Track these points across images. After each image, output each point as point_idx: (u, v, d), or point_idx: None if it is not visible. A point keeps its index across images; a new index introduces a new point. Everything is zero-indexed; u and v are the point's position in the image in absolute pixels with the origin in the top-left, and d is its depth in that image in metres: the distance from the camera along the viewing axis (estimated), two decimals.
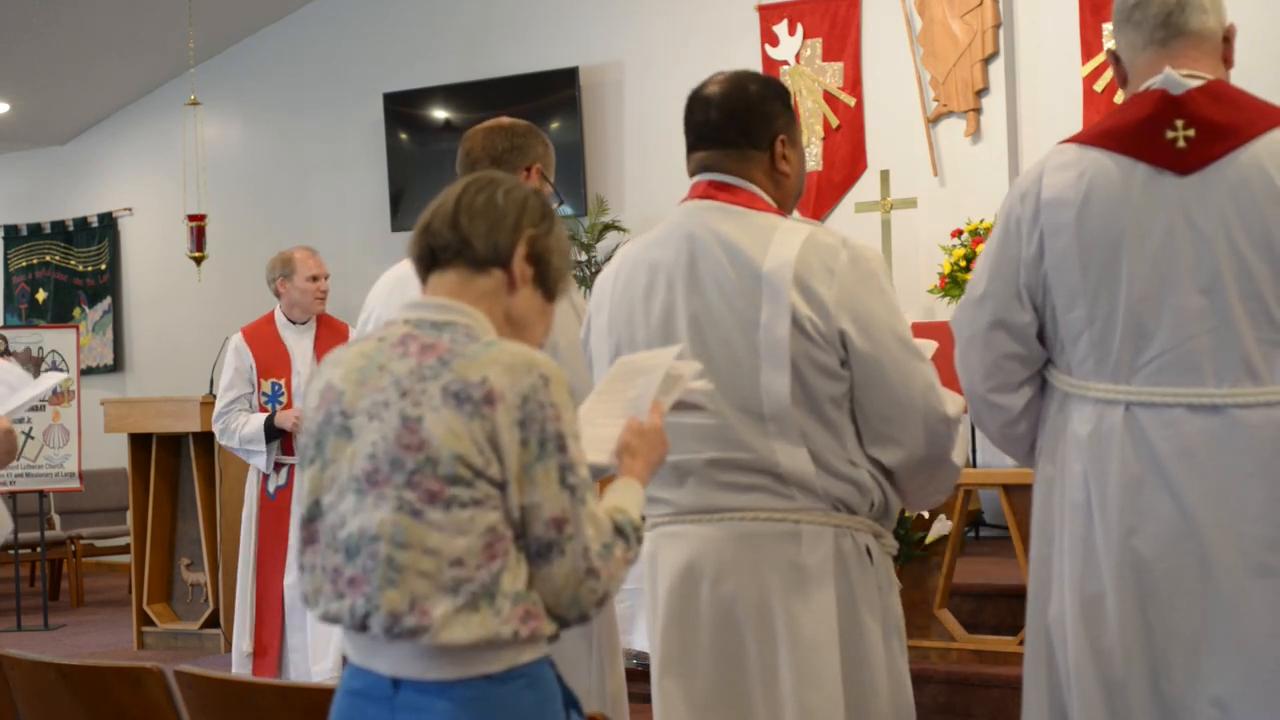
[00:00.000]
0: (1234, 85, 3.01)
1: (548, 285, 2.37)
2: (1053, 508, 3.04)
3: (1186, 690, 2.87)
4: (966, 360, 3.12)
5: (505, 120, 3.67)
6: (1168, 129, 2.92)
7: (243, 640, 6.42)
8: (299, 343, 6.41)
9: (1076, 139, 3.05)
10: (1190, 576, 2.87)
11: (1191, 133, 2.90)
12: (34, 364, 9.64)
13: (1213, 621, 2.86)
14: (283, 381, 6.33)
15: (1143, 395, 2.91)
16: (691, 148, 3.05)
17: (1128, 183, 2.92)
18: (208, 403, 8.03)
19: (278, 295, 6.46)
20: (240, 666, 6.38)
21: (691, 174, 3.05)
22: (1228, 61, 3.06)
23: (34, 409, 9.07)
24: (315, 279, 6.40)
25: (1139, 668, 2.90)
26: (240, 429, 6.30)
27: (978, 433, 8.29)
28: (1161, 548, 2.88)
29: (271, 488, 6.33)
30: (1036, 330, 3.03)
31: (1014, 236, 3.03)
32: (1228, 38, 3.06)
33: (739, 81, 3.02)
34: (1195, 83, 2.94)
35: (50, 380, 3.91)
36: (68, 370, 9.71)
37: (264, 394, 6.34)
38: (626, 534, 2.24)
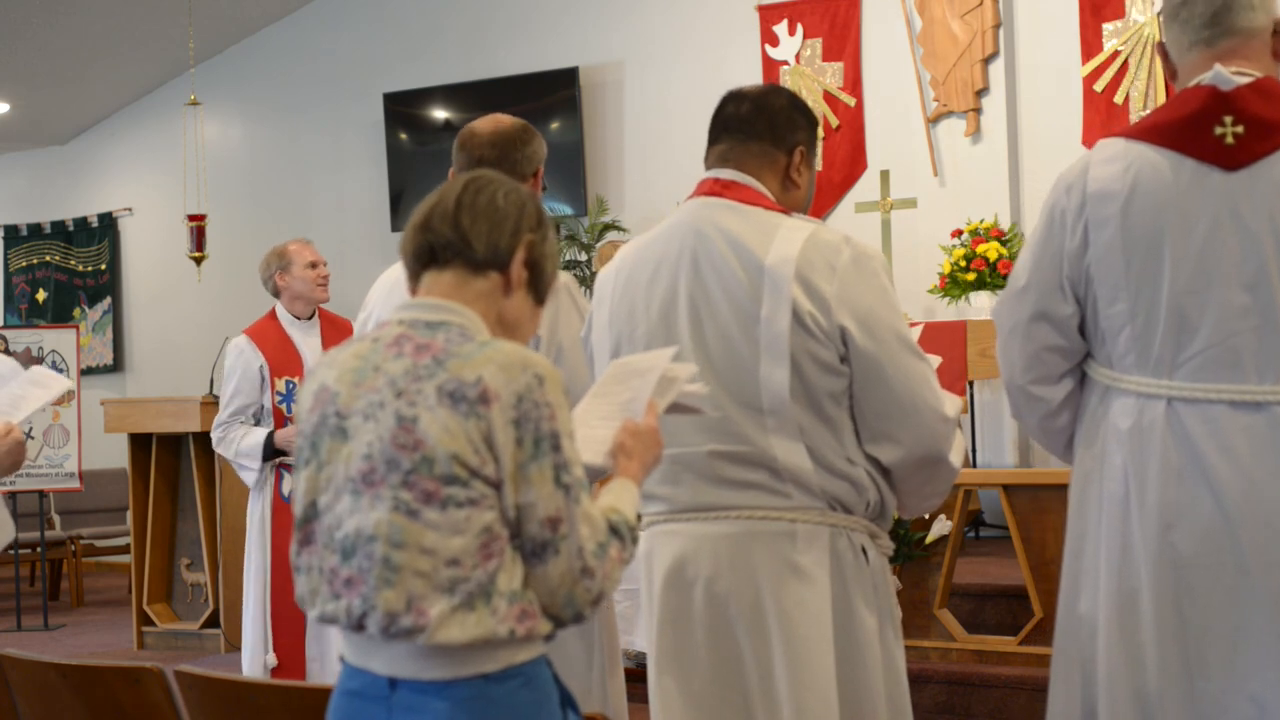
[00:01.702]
0: None
1: (539, 289, 2.38)
2: (1089, 501, 3.04)
3: (1224, 687, 2.86)
4: (1007, 352, 3.13)
5: (504, 121, 3.56)
6: (1216, 125, 2.91)
7: (262, 652, 6.04)
8: (306, 340, 6.13)
9: (1123, 133, 3.05)
10: (1228, 573, 2.87)
11: (1240, 129, 2.90)
12: (34, 364, 9.62)
13: (1250, 618, 2.85)
14: (297, 380, 6.03)
15: (1184, 390, 2.91)
16: (713, 140, 3.07)
17: (1174, 177, 2.92)
18: (208, 403, 8.03)
19: (277, 293, 6.18)
20: (257, 673, 6.02)
21: (708, 168, 3.07)
22: (1276, 55, 3.05)
23: None
24: (314, 265, 6.12)
25: (1174, 664, 2.89)
26: (239, 440, 6.01)
27: (977, 433, 8.31)
28: (1200, 544, 2.88)
29: (285, 490, 6.00)
30: (1078, 323, 3.04)
31: (1058, 228, 3.03)
32: (1276, 31, 3.04)
33: (774, 88, 3.16)
34: (1244, 80, 2.94)
35: (56, 386, 3.87)
36: (67, 370, 9.70)
37: (279, 393, 6.04)
38: (622, 534, 2.25)
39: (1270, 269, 2.86)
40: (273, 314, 6.22)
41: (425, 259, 2.33)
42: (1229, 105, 2.92)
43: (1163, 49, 3.13)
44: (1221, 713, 2.87)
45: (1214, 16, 3.00)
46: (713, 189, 3.02)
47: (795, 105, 3.09)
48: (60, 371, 9.53)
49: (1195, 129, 2.93)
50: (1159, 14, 3.16)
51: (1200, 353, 2.90)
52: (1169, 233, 2.91)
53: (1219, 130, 2.91)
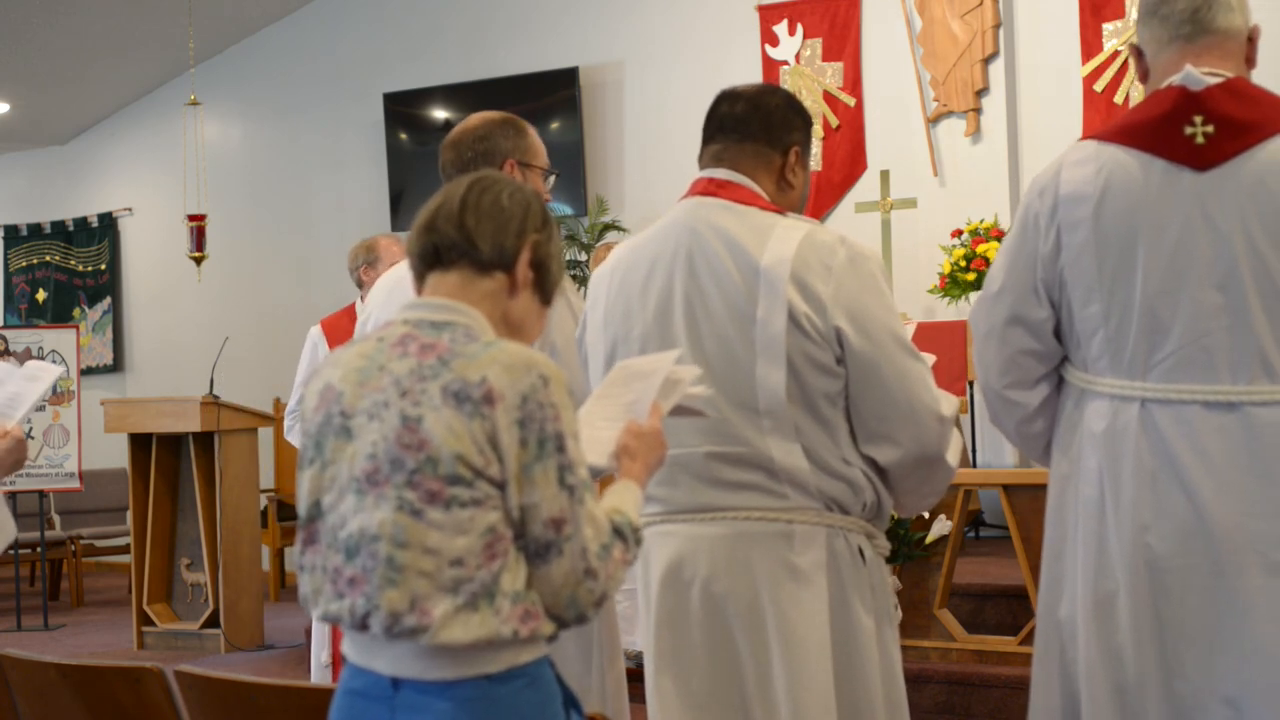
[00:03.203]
0: (1254, 83, 3.00)
1: (545, 289, 2.38)
2: (1066, 504, 3.04)
3: (1200, 689, 2.86)
4: (983, 356, 3.12)
5: (470, 122, 3.48)
6: (1186, 125, 2.91)
7: (321, 650, 6.00)
8: None
9: (1095, 135, 3.05)
10: (1204, 574, 2.86)
11: (1211, 129, 2.89)
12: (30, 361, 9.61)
13: (1226, 620, 2.85)
14: None
15: (1158, 392, 2.91)
16: (708, 140, 3.07)
17: (1145, 178, 2.92)
18: (208, 403, 8.04)
19: (360, 285, 6.18)
20: (319, 676, 6.03)
21: (702, 167, 3.06)
22: (1250, 62, 3.05)
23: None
24: None
25: (1151, 666, 2.89)
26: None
27: (977, 433, 8.31)
28: (1175, 545, 2.87)
29: None
30: (1053, 326, 3.03)
31: (1031, 232, 3.02)
32: (1251, 38, 3.05)
33: (769, 88, 3.14)
34: (1215, 80, 2.94)
35: (48, 376, 3.87)
36: (68, 370, 9.70)
37: None
38: (625, 535, 2.25)
39: (1241, 268, 2.86)
40: (351, 309, 6.23)
41: (430, 260, 2.34)
42: (1199, 105, 2.91)
43: (1136, 50, 3.12)
44: (1199, 714, 2.87)
45: (1195, 13, 3.00)
46: (707, 189, 3.01)
47: (790, 105, 3.09)
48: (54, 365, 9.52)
49: (1166, 130, 2.93)
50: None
51: (1173, 353, 2.90)
52: (1141, 234, 2.90)
53: (1189, 130, 2.91)
